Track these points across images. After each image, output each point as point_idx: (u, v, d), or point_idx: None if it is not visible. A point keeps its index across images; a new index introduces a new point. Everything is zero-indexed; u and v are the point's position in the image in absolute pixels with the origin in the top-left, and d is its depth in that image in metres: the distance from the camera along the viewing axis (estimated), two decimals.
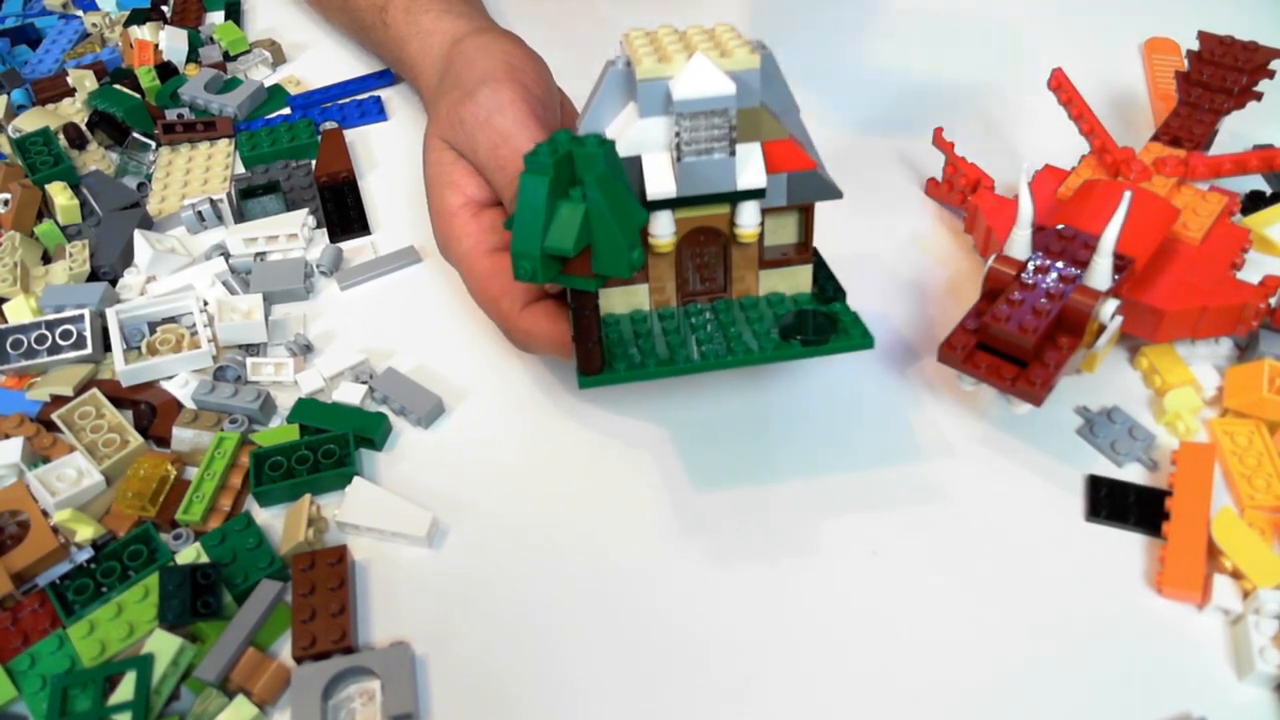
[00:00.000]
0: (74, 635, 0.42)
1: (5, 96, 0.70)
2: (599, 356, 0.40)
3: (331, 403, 0.50)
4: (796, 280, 0.44)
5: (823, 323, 0.42)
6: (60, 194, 0.61)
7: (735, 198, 0.40)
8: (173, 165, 0.65)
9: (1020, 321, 0.42)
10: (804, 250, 0.44)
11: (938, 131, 0.57)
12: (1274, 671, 0.38)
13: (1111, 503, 0.44)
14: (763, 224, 0.42)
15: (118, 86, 0.69)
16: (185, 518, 0.46)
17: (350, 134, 0.67)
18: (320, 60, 0.74)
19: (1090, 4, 0.73)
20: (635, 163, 0.39)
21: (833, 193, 0.42)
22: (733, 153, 0.39)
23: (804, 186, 0.41)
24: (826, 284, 0.45)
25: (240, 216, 0.61)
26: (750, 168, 0.40)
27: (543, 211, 0.35)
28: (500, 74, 0.49)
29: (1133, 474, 0.46)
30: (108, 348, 0.53)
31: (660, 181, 0.39)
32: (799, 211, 0.43)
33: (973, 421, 0.48)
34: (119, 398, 0.51)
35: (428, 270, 0.58)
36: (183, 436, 0.49)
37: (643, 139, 0.39)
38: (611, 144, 0.35)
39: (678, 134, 0.38)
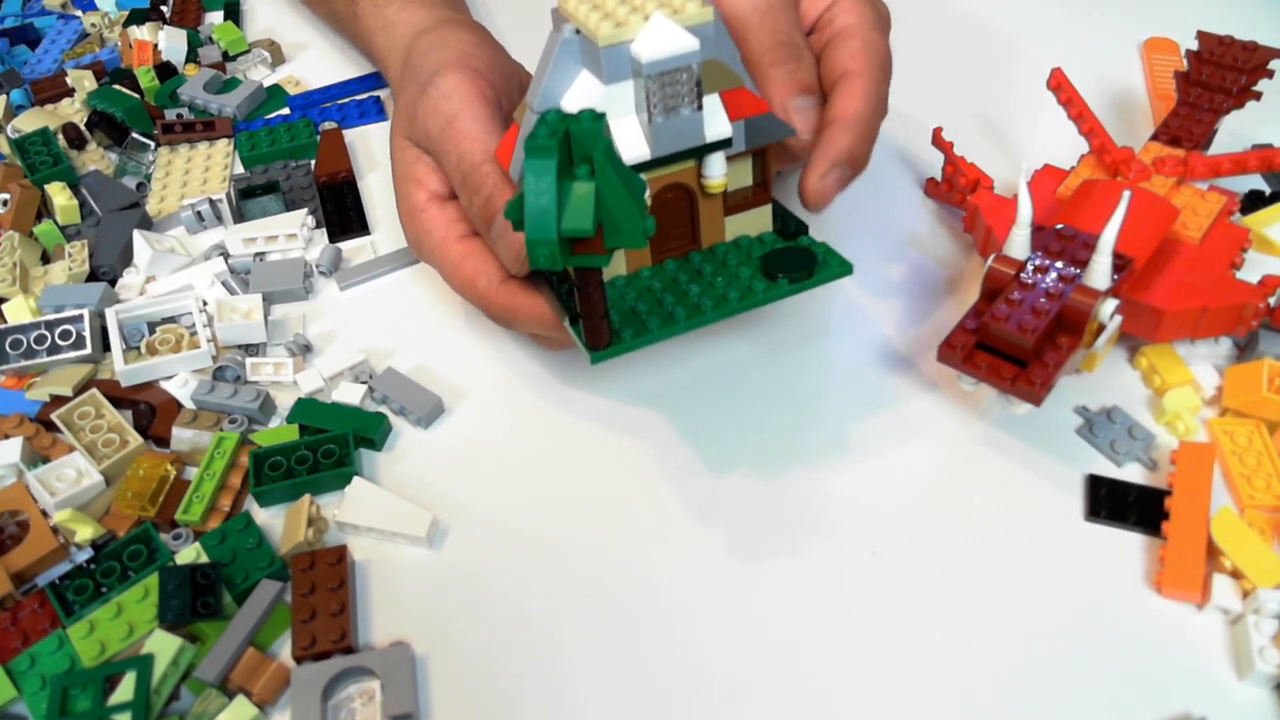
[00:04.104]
0: (74, 635, 0.42)
1: (4, 96, 0.70)
2: (607, 330, 0.40)
3: (331, 403, 0.50)
4: (759, 221, 0.45)
5: (801, 258, 0.43)
6: (59, 194, 0.61)
7: (703, 151, 0.41)
8: (172, 165, 0.65)
9: (1020, 321, 0.42)
10: (763, 191, 0.44)
11: (937, 131, 0.57)
12: (1274, 671, 0.38)
13: (1111, 502, 0.44)
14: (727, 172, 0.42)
15: (117, 86, 0.69)
16: (185, 518, 0.46)
17: (349, 134, 0.67)
18: (319, 60, 0.74)
19: (1090, 4, 0.73)
20: None
21: (786, 131, 0.42)
22: (700, 108, 0.39)
23: (761, 130, 0.42)
24: (787, 219, 0.45)
25: (240, 216, 0.61)
26: (716, 119, 0.40)
27: (554, 194, 0.34)
28: (451, 61, 0.49)
29: (1132, 474, 0.46)
30: (107, 348, 0.53)
31: (633, 146, 0.39)
32: (753, 154, 0.43)
33: (973, 421, 0.48)
34: (118, 398, 0.51)
35: (427, 270, 0.57)
36: (182, 436, 0.49)
37: (607, 106, 0.39)
38: (604, 116, 0.35)
39: (648, 96, 0.38)
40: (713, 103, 0.40)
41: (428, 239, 0.48)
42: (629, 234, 0.35)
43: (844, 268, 0.43)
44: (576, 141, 0.34)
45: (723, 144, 0.41)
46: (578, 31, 0.39)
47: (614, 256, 0.43)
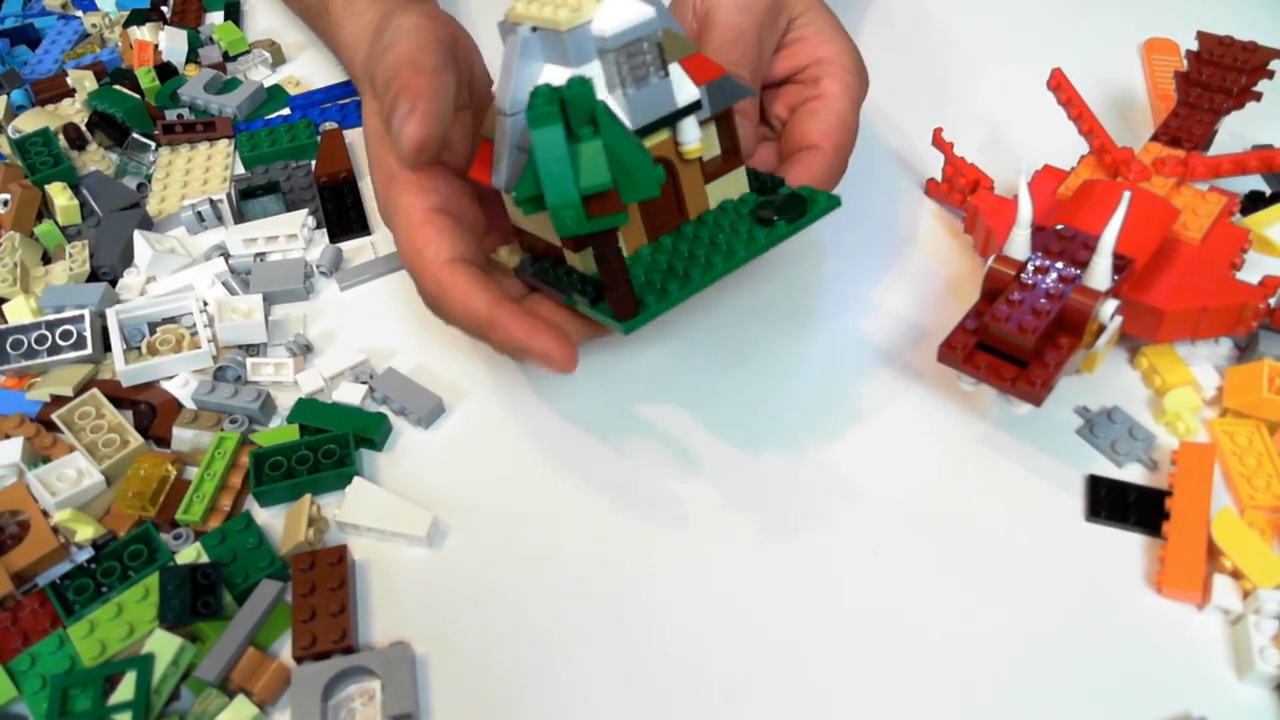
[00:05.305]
0: (74, 635, 0.42)
1: (5, 97, 0.70)
2: (633, 298, 0.40)
3: (331, 403, 0.50)
4: (737, 184, 0.46)
5: (790, 202, 0.43)
6: (60, 194, 0.61)
7: (674, 118, 0.41)
8: (172, 166, 0.65)
9: (1020, 321, 0.42)
10: (735, 155, 0.45)
11: (938, 131, 0.57)
12: (1274, 671, 0.38)
13: (1111, 503, 0.44)
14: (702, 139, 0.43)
15: (117, 87, 0.69)
16: (185, 518, 0.46)
17: (350, 134, 0.66)
18: (320, 60, 0.74)
19: (1090, 4, 0.73)
20: None
21: (744, 91, 0.43)
22: (666, 74, 0.40)
23: (720, 93, 0.43)
24: (762, 178, 0.46)
25: (240, 217, 0.61)
26: (683, 85, 0.41)
27: (566, 158, 0.34)
28: (410, 10, 0.49)
29: (1133, 474, 0.46)
30: (108, 348, 0.53)
31: None
32: (715, 121, 0.44)
33: (973, 421, 0.48)
34: (119, 398, 0.51)
35: None
36: (183, 436, 0.49)
37: None
38: (591, 80, 0.35)
39: (618, 69, 0.39)
40: (676, 70, 0.41)
41: (395, 203, 0.47)
42: (643, 183, 0.36)
43: (832, 201, 0.43)
44: (572, 105, 0.35)
45: (693, 107, 0.42)
46: (534, 29, 0.40)
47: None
